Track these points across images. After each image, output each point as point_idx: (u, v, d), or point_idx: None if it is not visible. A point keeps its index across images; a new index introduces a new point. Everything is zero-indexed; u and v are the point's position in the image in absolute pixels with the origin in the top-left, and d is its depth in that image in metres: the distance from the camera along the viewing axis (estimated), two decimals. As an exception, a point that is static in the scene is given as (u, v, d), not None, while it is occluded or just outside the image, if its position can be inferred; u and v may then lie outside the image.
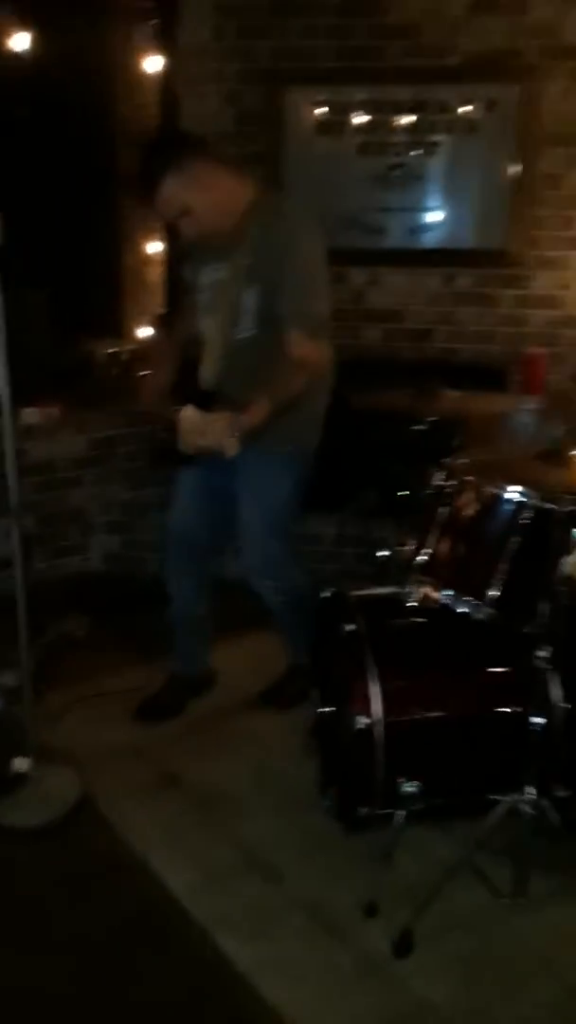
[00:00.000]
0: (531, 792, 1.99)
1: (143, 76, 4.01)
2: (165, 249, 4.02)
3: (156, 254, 4.31)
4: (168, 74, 3.66)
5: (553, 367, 3.65)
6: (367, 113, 3.58)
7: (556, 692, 2.09)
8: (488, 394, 3.13)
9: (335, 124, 3.61)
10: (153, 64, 3.76)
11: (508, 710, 2.15)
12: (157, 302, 4.43)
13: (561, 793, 2.10)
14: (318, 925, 2.02)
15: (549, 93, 3.46)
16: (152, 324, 4.44)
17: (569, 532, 1.95)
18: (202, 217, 2.41)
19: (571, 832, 2.02)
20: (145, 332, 4.48)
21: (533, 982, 1.88)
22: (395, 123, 3.56)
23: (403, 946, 1.94)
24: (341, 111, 3.60)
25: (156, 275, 4.40)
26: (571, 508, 1.88)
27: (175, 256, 3.81)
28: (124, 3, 3.80)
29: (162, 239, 4.09)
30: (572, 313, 3.67)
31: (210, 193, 2.39)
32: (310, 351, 2.40)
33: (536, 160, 3.52)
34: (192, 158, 2.38)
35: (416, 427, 2.64)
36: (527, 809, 1.99)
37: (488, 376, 3.60)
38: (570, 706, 2.11)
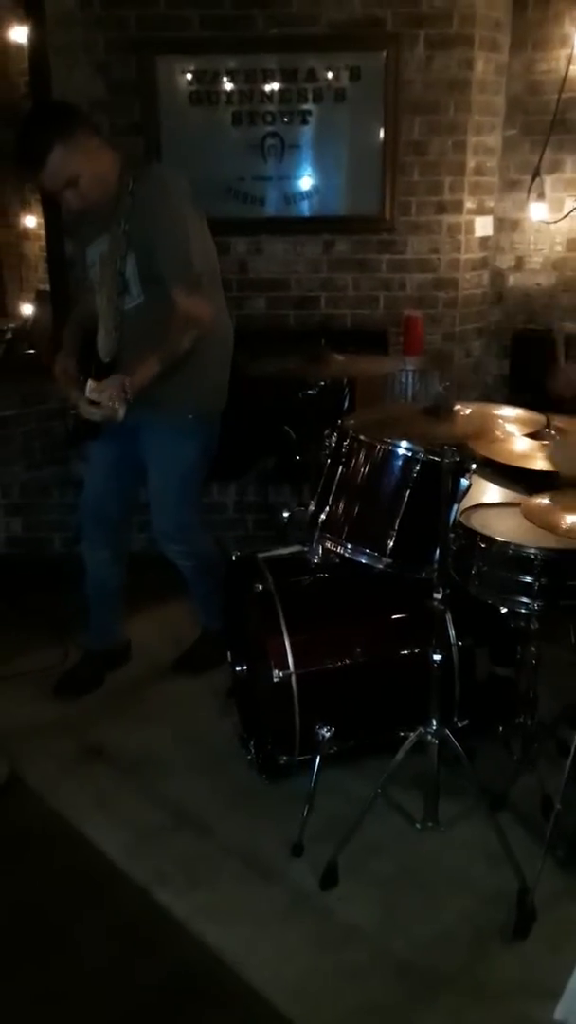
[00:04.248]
0: (434, 725, 2.14)
1: (9, 45, 3.90)
2: (44, 223, 3.94)
3: (35, 228, 4.22)
4: (36, 44, 3.56)
5: (430, 328, 3.81)
6: (238, 83, 3.59)
7: (451, 631, 2.26)
8: (372, 356, 3.26)
9: (207, 94, 3.61)
10: (19, 34, 3.66)
11: (410, 651, 2.32)
12: (39, 277, 4.34)
13: (460, 723, 2.28)
14: (249, 870, 2.14)
15: (410, 61, 3.56)
16: (36, 300, 4.36)
17: (457, 482, 2.10)
18: (87, 187, 2.44)
19: (471, 758, 2.18)
20: (29, 309, 4.40)
21: (448, 897, 2.06)
22: (265, 92, 3.60)
23: (329, 878, 2.08)
24: (212, 81, 3.60)
25: (37, 249, 4.31)
26: (456, 459, 2.01)
27: (56, 230, 3.76)
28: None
29: (39, 213, 4.01)
30: (444, 276, 3.81)
31: (95, 163, 2.42)
32: (192, 305, 2.44)
33: (402, 127, 3.62)
34: (77, 127, 2.40)
35: (307, 392, 2.74)
36: (432, 740, 2.14)
37: (370, 339, 3.73)
38: (463, 643, 2.29)
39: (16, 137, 2.42)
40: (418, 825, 2.23)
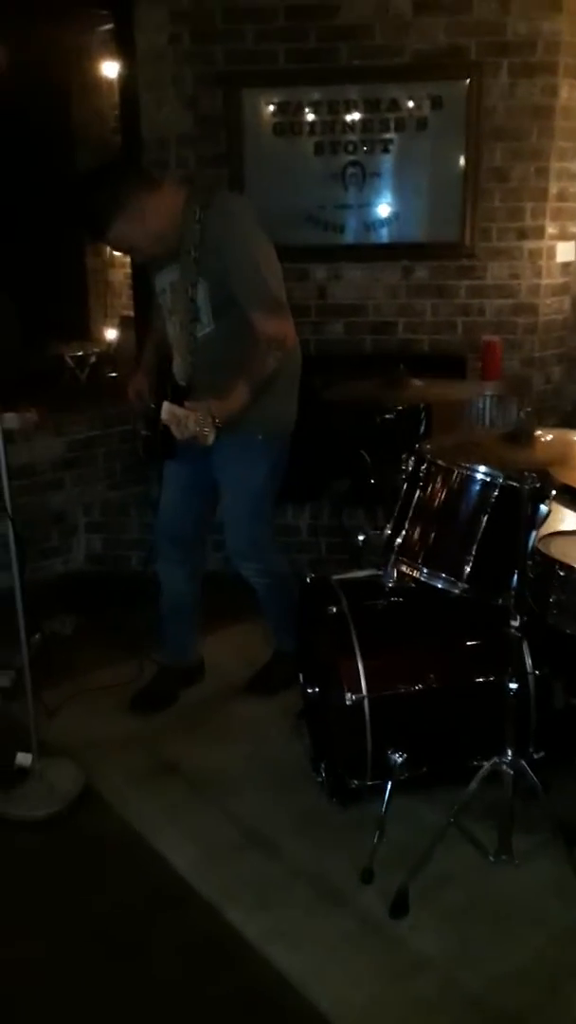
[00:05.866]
0: (510, 755, 2.10)
1: (101, 81, 4.06)
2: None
3: (120, 256, 4.36)
4: (127, 79, 3.71)
5: (509, 353, 3.79)
6: (320, 113, 3.67)
7: (528, 659, 2.22)
8: (450, 381, 3.25)
9: (291, 124, 3.70)
10: (111, 69, 3.81)
11: (485, 679, 2.29)
12: (123, 303, 4.48)
13: (536, 755, 2.23)
14: (318, 893, 2.13)
15: (493, 89, 3.58)
16: (119, 326, 4.49)
17: (536, 508, 2.07)
18: (148, 247, 2.52)
19: (547, 791, 2.13)
20: (112, 334, 4.53)
21: (521, 932, 2.00)
22: (348, 122, 3.66)
23: (399, 907, 2.05)
24: (296, 112, 3.68)
25: (122, 276, 4.45)
26: (536, 485, 1.99)
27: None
28: (80, 10, 3.85)
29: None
30: (524, 301, 3.80)
31: (153, 224, 2.45)
32: (275, 327, 2.47)
33: (483, 154, 3.64)
34: (133, 198, 2.40)
35: (385, 416, 2.74)
36: (507, 771, 2.10)
37: (448, 364, 3.73)
38: (540, 672, 2.25)
39: (79, 201, 2.46)
40: (491, 857, 2.18)
